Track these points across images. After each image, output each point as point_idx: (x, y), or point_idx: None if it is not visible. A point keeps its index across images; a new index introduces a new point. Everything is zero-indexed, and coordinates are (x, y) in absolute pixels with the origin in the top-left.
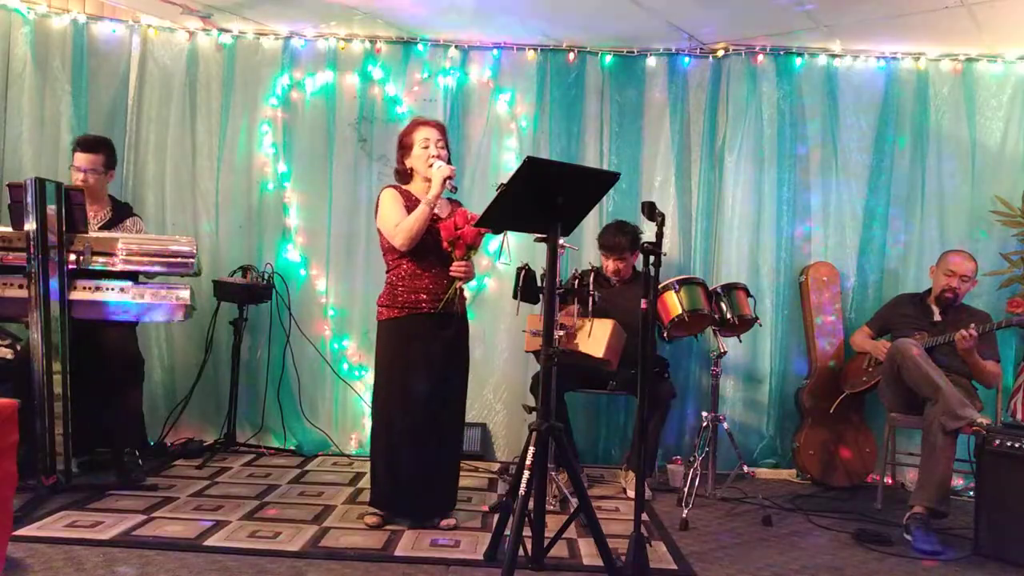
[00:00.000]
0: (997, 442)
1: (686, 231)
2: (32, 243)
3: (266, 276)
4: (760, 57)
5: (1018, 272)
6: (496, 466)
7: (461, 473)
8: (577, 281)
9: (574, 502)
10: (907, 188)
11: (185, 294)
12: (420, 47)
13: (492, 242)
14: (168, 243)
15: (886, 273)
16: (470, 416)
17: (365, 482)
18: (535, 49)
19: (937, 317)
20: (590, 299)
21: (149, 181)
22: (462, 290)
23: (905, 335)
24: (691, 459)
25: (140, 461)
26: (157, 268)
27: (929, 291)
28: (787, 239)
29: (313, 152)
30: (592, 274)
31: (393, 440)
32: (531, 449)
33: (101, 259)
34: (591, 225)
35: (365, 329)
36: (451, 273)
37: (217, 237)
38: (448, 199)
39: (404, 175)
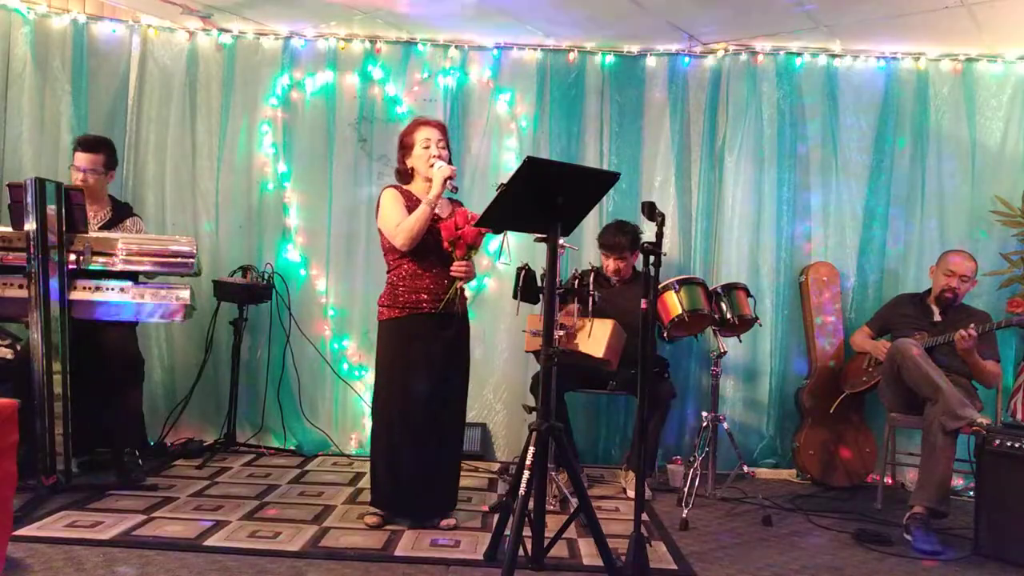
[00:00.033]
0: (997, 442)
1: (686, 231)
2: (32, 243)
3: (266, 276)
4: (760, 57)
5: (1018, 272)
6: (496, 466)
7: (461, 473)
8: (577, 281)
9: (574, 502)
10: (907, 188)
11: (185, 294)
12: (420, 47)
13: (492, 242)
14: (168, 243)
15: (886, 273)
16: (470, 416)
17: (365, 482)
18: (535, 49)
19: (937, 317)
20: (590, 299)
21: (149, 181)
22: (463, 290)
23: (905, 335)
24: (691, 459)
25: (140, 461)
26: (157, 268)
27: (929, 291)
28: (787, 239)
29: (313, 152)
30: (592, 274)
31: (394, 440)
32: (531, 449)
33: (101, 259)
34: (591, 225)
35: (365, 329)
36: (452, 273)
37: (217, 237)
38: (449, 199)
39: (405, 175)
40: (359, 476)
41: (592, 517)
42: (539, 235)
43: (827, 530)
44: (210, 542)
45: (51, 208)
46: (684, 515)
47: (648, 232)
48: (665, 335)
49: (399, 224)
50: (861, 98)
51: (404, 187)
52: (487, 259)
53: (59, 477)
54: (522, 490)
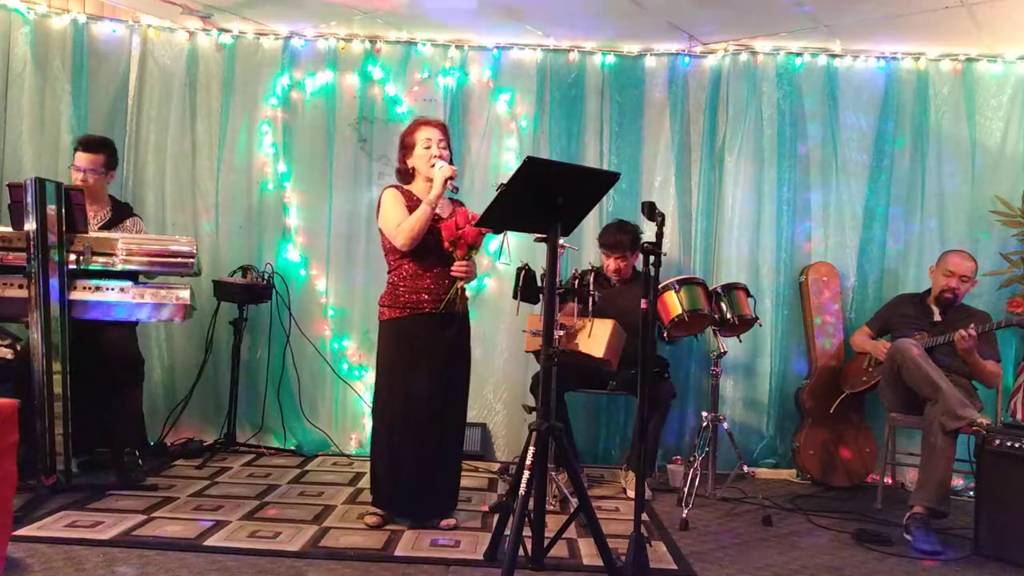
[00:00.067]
0: (997, 442)
1: (686, 231)
2: (32, 243)
3: (266, 276)
4: (760, 57)
5: (1018, 272)
6: (496, 466)
7: (462, 473)
8: (577, 281)
9: (574, 502)
10: (907, 188)
11: (185, 294)
12: (420, 47)
13: (492, 242)
14: (168, 243)
15: (886, 273)
16: (470, 416)
17: (365, 482)
18: (535, 49)
19: (937, 317)
20: (590, 299)
21: (149, 181)
22: (463, 290)
23: (905, 335)
24: (691, 459)
25: (140, 461)
26: (157, 268)
27: (929, 291)
28: (787, 239)
29: (313, 152)
30: (592, 274)
31: (394, 440)
32: (531, 449)
33: (101, 259)
34: (591, 225)
35: (365, 329)
36: (452, 273)
37: (217, 237)
38: (450, 199)
39: (406, 174)
40: (359, 476)
41: (592, 517)
42: (539, 235)
43: (827, 530)
44: (210, 542)
45: (51, 208)
46: (684, 515)
47: (648, 232)
48: (665, 335)
49: (400, 224)
50: (861, 98)
51: (405, 187)
52: (487, 259)
53: (59, 477)
54: (522, 490)
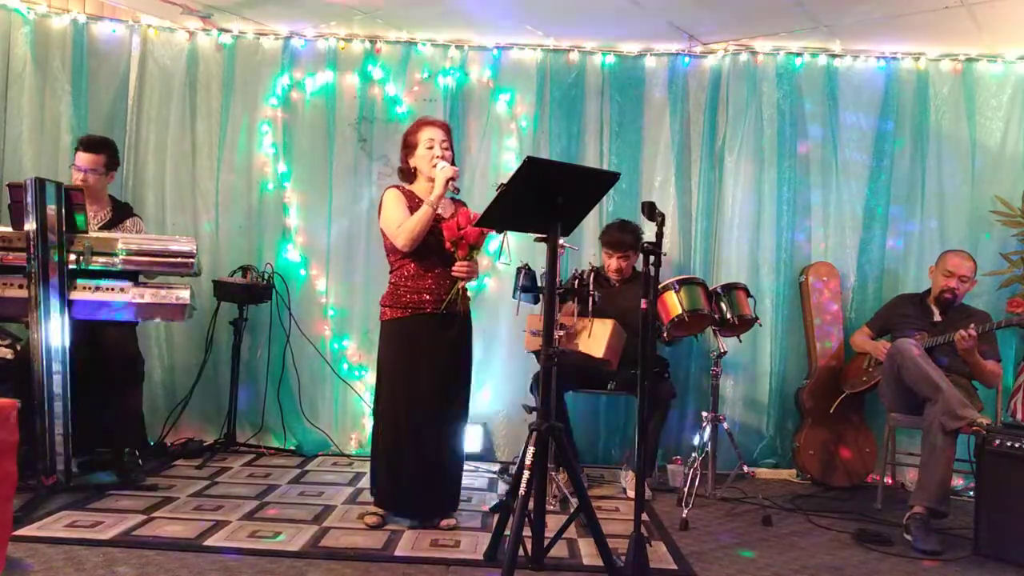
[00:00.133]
0: (997, 442)
1: (686, 231)
2: (32, 243)
3: (266, 276)
4: (760, 57)
5: (1018, 272)
6: (496, 466)
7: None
8: (577, 281)
9: (574, 502)
10: (907, 188)
11: (185, 294)
12: (420, 47)
13: (492, 242)
14: (168, 243)
15: (886, 273)
16: (470, 416)
17: (365, 482)
18: (535, 49)
19: (937, 317)
20: (590, 299)
21: (149, 181)
22: (465, 290)
23: (905, 335)
24: (691, 459)
25: (140, 461)
26: (157, 268)
27: (929, 291)
28: (787, 239)
29: (313, 152)
30: (592, 274)
31: (396, 440)
32: (531, 449)
33: (101, 259)
34: (591, 225)
35: (365, 329)
36: (453, 273)
37: (217, 237)
38: (451, 199)
39: (408, 174)
40: (359, 476)
41: (592, 517)
42: (539, 235)
43: (827, 530)
44: (210, 542)
45: (51, 208)
46: (684, 515)
47: (648, 232)
48: (665, 335)
49: (400, 225)
50: (861, 98)
51: (407, 187)
52: (487, 259)
53: (59, 477)
54: (522, 490)
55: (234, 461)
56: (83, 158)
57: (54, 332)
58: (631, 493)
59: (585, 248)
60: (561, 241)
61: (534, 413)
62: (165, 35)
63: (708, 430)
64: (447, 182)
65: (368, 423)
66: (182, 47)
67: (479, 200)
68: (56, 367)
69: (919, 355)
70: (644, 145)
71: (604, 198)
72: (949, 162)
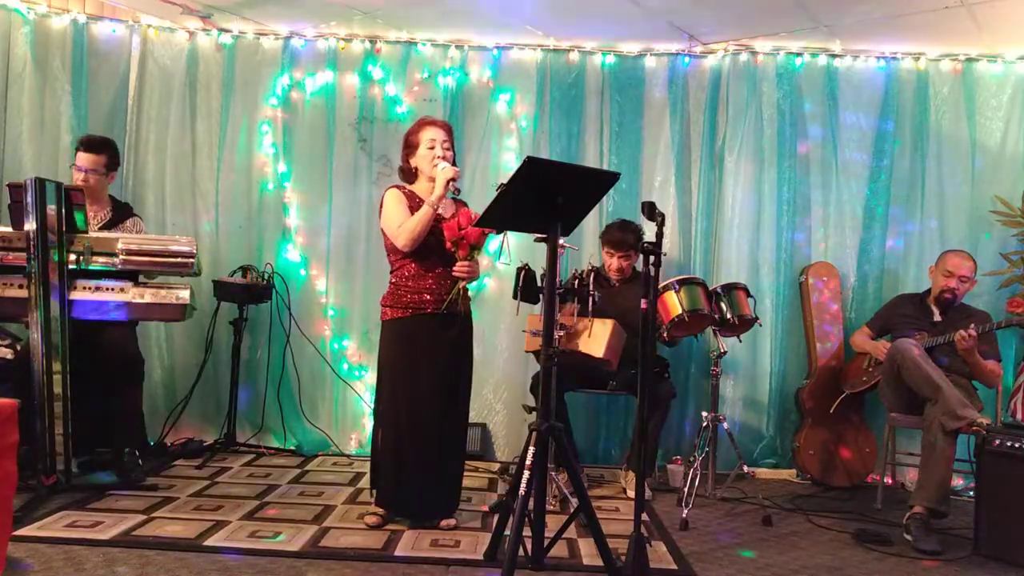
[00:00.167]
0: (997, 442)
1: (686, 231)
2: (32, 243)
3: (266, 276)
4: (760, 57)
5: (1018, 272)
6: (496, 466)
7: (463, 473)
8: (577, 281)
9: (574, 502)
10: (907, 188)
11: (185, 294)
12: (420, 47)
13: (492, 242)
14: (168, 243)
15: (886, 273)
16: (470, 416)
17: (365, 482)
18: (535, 49)
19: (937, 317)
20: (590, 299)
21: (149, 181)
22: (466, 290)
23: (905, 335)
24: (691, 459)
25: (140, 461)
26: (157, 268)
27: (929, 291)
28: (787, 239)
29: (313, 152)
30: (592, 274)
31: (397, 440)
32: (531, 449)
33: (101, 259)
34: (591, 225)
35: (365, 329)
36: (454, 273)
37: (217, 237)
38: (452, 199)
39: (409, 173)
40: (359, 476)
41: (592, 517)
42: (539, 235)
43: (827, 530)
44: (210, 542)
45: (51, 208)
46: (684, 515)
47: (648, 232)
48: (665, 335)
49: (401, 225)
50: (861, 98)
51: (407, 187)
52: (487, 259)
53: (59, 477)
54: (522, 490)
55: (234, 461)
56: (84, 158)
57: (54, 332)
58: (631, 493)
59: (585, 248)
60: (561, 241)
61: (534, 413)
62: (165, 35)
63: (708, 430)
64: (448, 183)
65: (368, 423)
66: (182, 47)
67: (479, 200)
68: (56, 367)
69: (919, 355)
70: (644, 145)
71: (604, 198)
72: (949, 162)
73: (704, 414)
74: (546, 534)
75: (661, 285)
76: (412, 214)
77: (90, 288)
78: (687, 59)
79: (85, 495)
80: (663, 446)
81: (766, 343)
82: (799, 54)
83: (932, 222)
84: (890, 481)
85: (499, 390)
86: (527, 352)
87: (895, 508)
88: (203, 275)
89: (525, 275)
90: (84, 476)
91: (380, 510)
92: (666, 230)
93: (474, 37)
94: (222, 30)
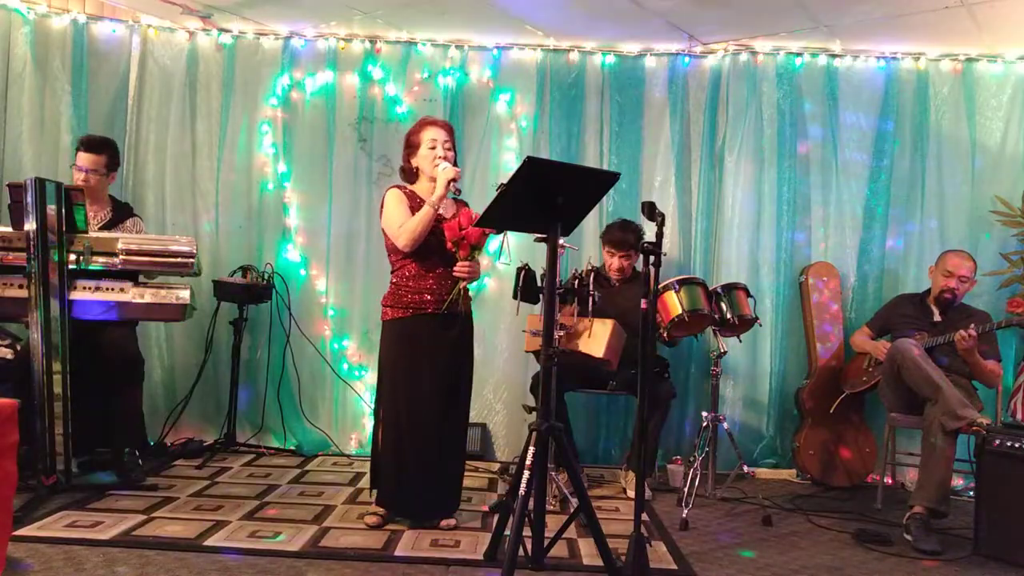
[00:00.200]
0: (997, 442)
1: (686, 231)
2: (32, 243)
3: (266, 276)
4: (760, 57)
5: (1018, 272)
6: (496, 466)
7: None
8: (577, 281)
9: (574, 502)
10: (907, 188)
11: (185, 294)
12: (420, 47)
13: (492, 242)
14: (168, 243)
15: (886, 273)
16: (470, 416)
17: (365, 482)
18: (535, 49)
19: (937, 317)
20: (590, 299)
21: (149, 181)
22: (466, 290)
23: (905, 335)
24: (691, 459)
25: (140, 461)
26: (157, 268)
27: (929, 291)
28: (787, 239)
29: (313, 152)
30: (592, 274)
31: (397, 440)
32: (531, 449)
33: (101, 259)
34: (591, 225)
35: (365, 329)
36: (455, 273)
37: (217, 237)
38: (453, 199)
39: (410, 173)
40: (359, 476)
41: (592, 517)
42: (539, 235)
43: (827, 530)
44: (210, 542)
45: (51, 208)
46: (684, 515)
47: (648, 232)
48: (665, 335)
49: (402, 225)
50: (861, 98)
51: (408, 187)
52: (487, 259)
53: (59, 477)
54: (522, 490)
55: (234, 461)
56: (84, 158)
57: (54, 332)
58: (631, 493)
59: (585, 248)
60: (561, 241)
61: (534, 413)
62: (165, 35)
63: (708, 430)
64: (449, 183)
65: (368, 423)
66: (182, 47)
67: (479, 200)
68: (56, 367)
69: (919, 355)
70: (644, 145)
71: (604, 198)
72: (949, 162)
73: (704, 414)
74: (546, 534)
75: (661, 285)
76: (413, 214)
77: (90, 288)
78: (687, 59)
79: (85, 495)
80: (663, 446)
81: (766, 343)
82: (799, 54)
83: (932, 222)
84: (890, 481)
85: (499, 390)
86: (527, 352)
87: (895, 508)
88: (203, 275)
89: (525, 275)
90: (84, 476)
91: (380, 510)
92: (666, 230)
93: (474, 37)
94: (222, 30)
